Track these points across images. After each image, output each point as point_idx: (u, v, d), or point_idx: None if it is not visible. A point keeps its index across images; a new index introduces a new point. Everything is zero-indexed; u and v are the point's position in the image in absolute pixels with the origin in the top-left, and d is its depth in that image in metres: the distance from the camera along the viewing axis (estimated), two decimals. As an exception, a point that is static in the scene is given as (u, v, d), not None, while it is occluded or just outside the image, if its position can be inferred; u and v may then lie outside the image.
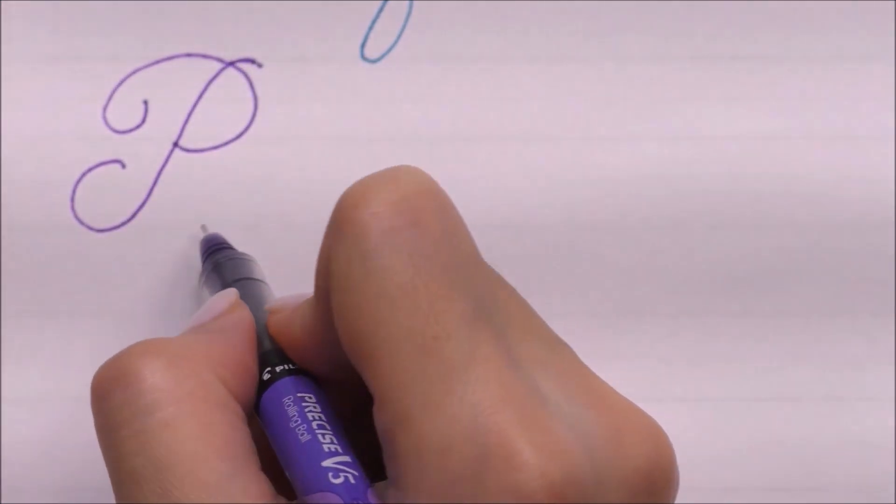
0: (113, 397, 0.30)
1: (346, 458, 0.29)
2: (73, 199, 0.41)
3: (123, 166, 0.41)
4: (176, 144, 0.41)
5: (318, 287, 0.30)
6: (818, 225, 0.41)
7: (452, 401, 0.27)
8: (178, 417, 0.29)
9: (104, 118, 0.41)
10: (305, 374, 0.31)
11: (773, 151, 0.41)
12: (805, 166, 0.41)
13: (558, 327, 0.31)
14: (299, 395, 0.31)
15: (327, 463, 0.29)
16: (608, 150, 0.41)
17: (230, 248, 0.39)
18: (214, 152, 0.41)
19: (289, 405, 0.30)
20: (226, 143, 0.41)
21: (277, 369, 0.31)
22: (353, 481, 0.29)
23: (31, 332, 0.40)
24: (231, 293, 0.34)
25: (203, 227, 0.40)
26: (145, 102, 0.41)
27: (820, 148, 0.41)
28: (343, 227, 0.29)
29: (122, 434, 0.29)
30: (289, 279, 0.41)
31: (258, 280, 0.37)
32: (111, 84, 0.41)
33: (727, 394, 0.41)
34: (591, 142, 0.41)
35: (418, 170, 0.30)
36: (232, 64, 0.41)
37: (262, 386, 0.31)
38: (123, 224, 0.41)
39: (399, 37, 0.41)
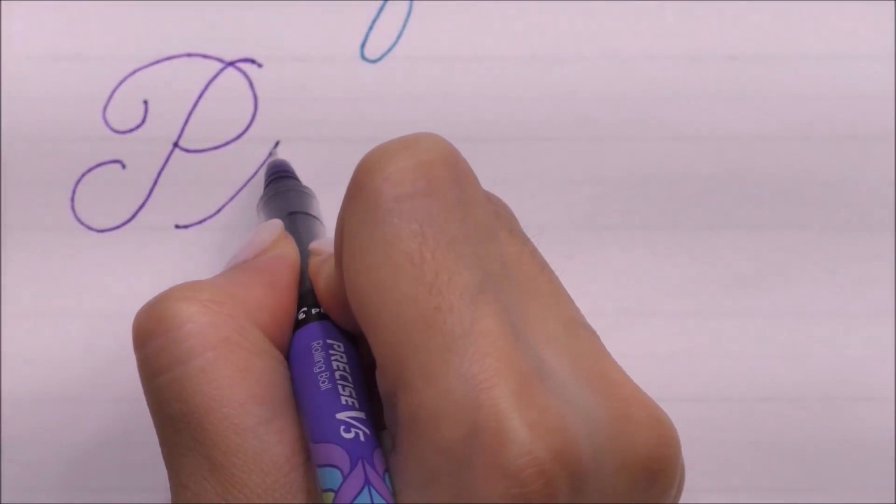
0: (151, 343, 0.30)
1: (361, 415, 0.29)
2: (73, 199, 0.41)
3: (123, 166, 0.41)
4: (176, 144, 0.41)
5: (336, 249, 0.30)
6: (818, 225, 0.41)
7: (448, 372, 0.27)
8: (215, 363, 0.29)
9: (104, 118, 0.41)
10: (335, 323, 0.31)
11: (773, 151, 0.41)
12: (805, 166, 0.41)
13: (558, 327, 0.31)
14: (329, 341, 0.30)
15: (342, 416, 0.29)
16: (608, 150, 0.41)
17: (294, 177, 0.39)
18: (214, 152, 0.41)
19: (316, 349, 0.30)
20: (226, 143, 0.41)
21: (313, 311, 0.31)
22: (362, 439, 0.28)
23: (31, 331, 0.40)
24: (276, 226, 0.34)
25: (273, 151, 0.40)
26: (145, 102, 0.41)
27: (820, 148, 0.41)
28: (357, 191, 0.29)
29: (161, 380, 0.30)
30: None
31: (313, 216, 0.36)
32: (111, 84, 0.41)
33: (727, 394, 0.41)
34: (591, 141, 0.41)
35: (438, 137, 0.30)
36: (232, 64, 0.41)
37: (296, 325, 0.31)
38: (123, 224, 0.41)
39: (399, 37, 0.41)
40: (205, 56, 0.41)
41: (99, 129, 0.41)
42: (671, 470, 0.29)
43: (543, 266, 0.30)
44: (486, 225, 0.29)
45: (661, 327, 0.41)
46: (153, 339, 0.30)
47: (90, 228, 0.41)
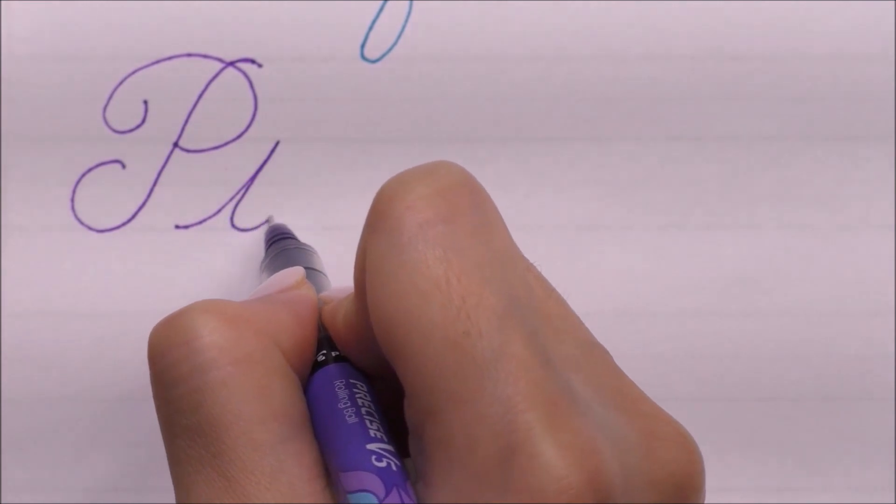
0: (171, 353, 0.30)
1: (390, 447, 0.29)
2: (73, 199, 0.41)
3: (123, 166, 0.41)
4: (176, 144, 0.41)
5: (356, 281, 0.30)
6: (818, 225, 0.41)
7: (481, 397, 0.27)
8: (236, 377, 0.29)
9: (104, 118, 0.41)
10: (354, 365, 0.31)
11: (773, 151, 0.41)
12: (805, 165, 0.41)
13: (558, 327, 0.31)
14: (351, 380, 0.31)
15: (372, 447, 0.29)
16: (608, 151, 0.41)
17: (294, 238, 0.39)
18: (214, 152, 0.41)
19: (340, 387, 0.30)
20: (226, 143, 0.41)
21: (333, 354, 0.31)
22: (394, 468, 0.28)
23: (31, 332, 0.40)
24: (298, 271, 0.34)
25: (269, 218, 0.41)
26: (145, 102, 0.41)
27: (820, 148, 0.41)
28: (379, 220, 0.29)
29: (179, 391, 0.29)
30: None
31: (319, 271, 0.37)
32: (111, 84, 0.41)
33: (727, 394, 0.41)
34: (591, 142, 0.41)
35: (456, 165, 0.30)
36: (232, 64, 0.41)
37: (315, 366, 0.31)
38: (123, 224, 0.41)
39: (399, 37, 0.41)
40: (205, 56, 0.41)
41: (99, 129, 0.41)
42: (699, 486, 0.29)
43: (550, 289, 0.31)
44: (508, 249, 0.29)
45: (661, 327, 0.41)
46: (173, 349, 0.30)
47: (90, 228, 0.41)
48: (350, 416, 0.30)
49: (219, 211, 0.41)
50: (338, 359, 0.31)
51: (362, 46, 0.41)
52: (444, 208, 0.29)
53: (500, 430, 0.27)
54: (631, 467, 0.28)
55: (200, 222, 0.41)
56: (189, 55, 0.41)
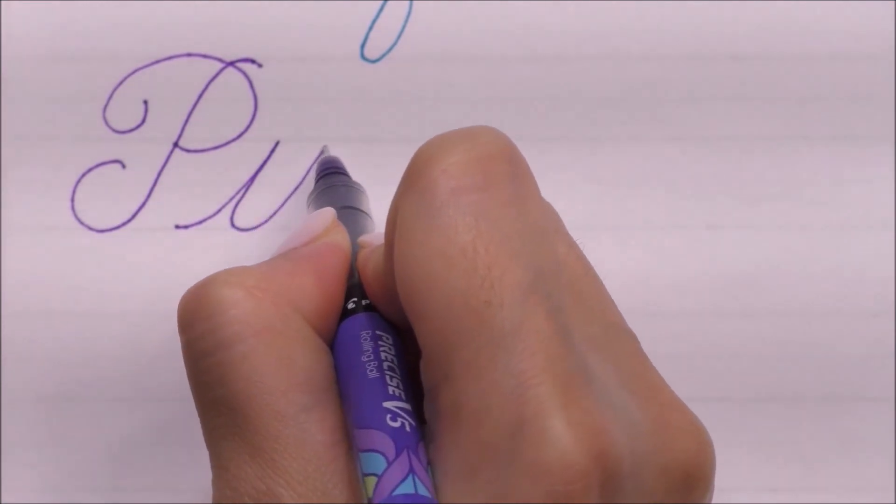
0: (196, 327, 0.30)
1: (407, 406, 0.29)
2: (73, 199, 0.41)
3: (123, 166, 0.41)
4: (176, 144, 0.41)
5: (387, 235, 0.30)
6: (818, 225, 0.41)
7: (496, 367, 0.27)
8: (257, 350, 0.29)
9: (104, 118, 0.41)
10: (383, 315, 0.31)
11: (772, 151, 0.41)
12: (805, 165, 0.41)
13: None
14: (377, 332, 0.30)
15: (388, 405, 0.29)
16: (608, 151, 0.41)
17: (345, 173, 0.39)
18: (214, 152, 0.41)
19: (365, 339, 0.30)
20: (226, 143, 0.41)
21: (363, 302, 0.31)
22: (408, 429, 0.28)
23: (30, 332, 0.40)
24: (328, 214, 0.33)
25: (324, 148, 0.40)
26: (145, 102, 0.41)
27: (820, 148, 0.41)
28: (413, 180, 0.29)
29: (204, 364, 0.30)
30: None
31: (363, 212, 0.36)
32: (111, 84, 0.41)
33: (727, 394, 0.41)
34: (590, 142, 0.41)
35: (497, 131, 0.30)
36: (232, 64, 0.41)
37: (343, 314, 0.31)
38: (123, 224, 0.41)
39: (399, 37, 0.41)
40: (205, 56, 0.41)
41: (99, 129, 0.41)
42: (708, 478, 0.29)
43: (588, 268, 0.31)
44: (541, 223, 0.29)
45: (661, 327, 0.41)
46: (197, 322, 0.30)
47: (90, 228, 0.41)
48: (371, 370, 0.29)
49: (219, 211, 0.41)
50: (367, 308, 0.31)
51: (362, 46, 0.41)
52: (479, 176, 0.29)
53: (512, 402, 0.27)
54: (641, 452, 0.28)
55: (200, 222, 0.41)
56: (189, 55, 0.41)
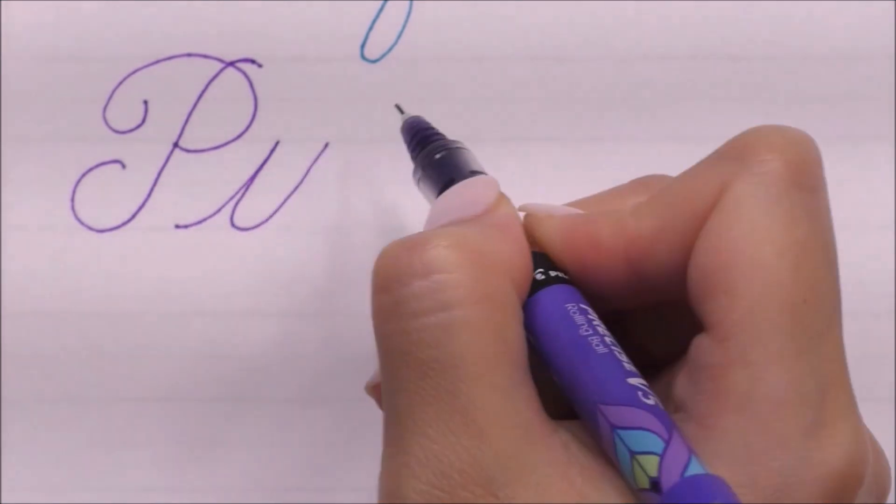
0: (411, 284, 0.29)
1: (645, 383, 0.28)
2: (73, 199, 0.41)
3: (123, 166, 0.41)
4: (176, 144, 0.41)
5: (685, 200, 0.30)
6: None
7: (804, 365, 0.28)
8: (479, 318, 0.28)
9: (104, 118, 0.41)
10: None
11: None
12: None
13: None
14: (582, 305, 0.30)
15: (633, 381, 0.28)
16: (608, 150, 0.41)
17: (440, 134, 0.36)
18: (214, 152, 0.41)
19: (574, 312, 0.29)
20: (226, 143, 0.41)
21: (552, 273, 0.30)
22: (661, 407, 0.28)
23: (30, 332, 0.40)
24: (493, 184, 0.32)
25: (398, 107, 0.38)
26: (145, 102, 0.41)
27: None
28: (754, 161, 0.29)
29: (420, 323, 0.29)
30: (288, 277, 0.41)
31: (484, 173, 0.34)
32: (111, 84, 0.41)
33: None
34: (590, 142, 0.41)
35: (809, 136, 0.30)
36: (232, 64, 0.41)
37: (534, 286, 0.30)
38: (123, 224, 0.41)
39: (399, 37, 0.41)
40: (205, 56, 0.41)
41: (99, 129, 0.41)
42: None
43: None
44: (832, 233, 0.30)
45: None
46: (414, 279, 0.29)
47: (90, 228, 0.41)
48: (597, 345, 0.29)
49: (219, 211, 0.41)
50: (558, 279, 0.30)
51: (362, 46, 0.41)
52: (813, 177, 0.30)
53: (814, 402, 0.28)
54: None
55: (200, 222, 0.41)
56: (189, 55, 0.41)
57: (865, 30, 0.41)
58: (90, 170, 0.41)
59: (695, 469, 0.27)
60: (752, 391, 0.28)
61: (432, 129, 0.36)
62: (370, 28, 0.41)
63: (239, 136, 0.41)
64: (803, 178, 0.29)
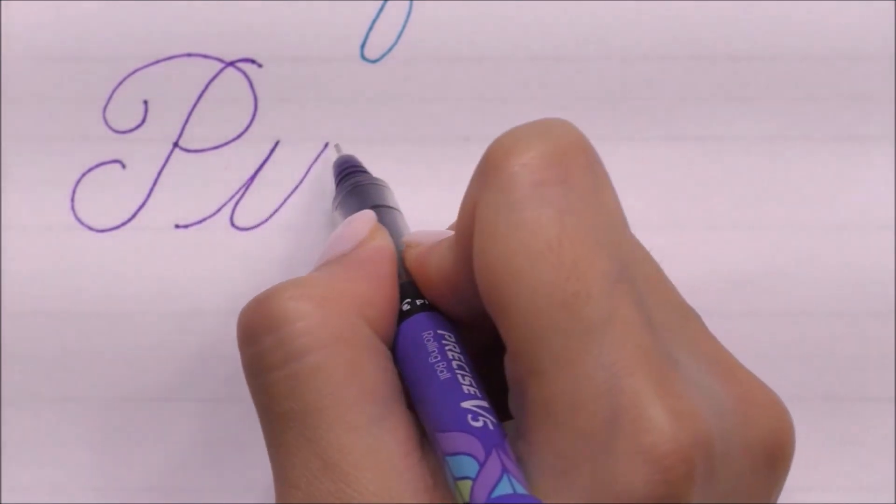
0: (263, 340, 0.30)
1: (484, 404, 0.29)
2: (73, 199, 0.41)
3: (123, 166, 0.41)
4: (176, 144, 0.41)
5: (460, 230, 0.30)
6: (818, 225, 0.41)
7: (587, 359, 0.27)
8: (328, 361, 0.29)
9: (104, 118, 0.41)
10: (440, 313, 0.31)
11: (773, 151, 0.41)
12: (805, 165, 0.41)
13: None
14: (439, 331, 0.30)
15: (466, 405, 0.28)
16: (608, 150, 0.41)
17: (365, 171, 0.38)
18: (214, 152, 0.41)
19: (428, 340, 0.30)
20: (226, 143, 0.41)
21: (417, 302, 0.31)
22: (491, 427, 0.28)
23: (30, 332, 0.40)
24: (369, 217, 0.33)
25: (337, 147, 0.40)
26: (145, 102, 0.41)
27: (820, 148, 0.41)
28: (492, 175, 0.29)
29: (273, 377, 0.29)
30: (287, 277, 0.41)
31: (394, 209, 0.36)
32: (111, 84, 0.41)
33: (727, 394, 0.41)
34: (591, 141, 0.41)
35: (570, 123, 0.30)
36: (232, 64, 0.41)
37: (400, 316, 0.31)
38: (123, 224, 0.41)
39: (399, 37, 0.41)
40: (205, 56, 0.41)
41: (99, 129, 0.41)
42: (790, 454, 0.29)
43: (647, 252, 0.31)
44: (617, 212, 0.29)
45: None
46: (264, 335, 0.30)
47: (90, 228, 0.41)
48: (442, 371, 0.29)
49: (219, 211, 0.41)
50: (423, 307, 0.31)
51: (362, 46, 0.41)
52: (559, 169, 0.29)
53: (606, 393, 0.27)
54: (729, 433, 0.28)
55: (200, 222, 0.41)
56: (189, 55, 0.41)
57: (865, 30, 0.41)
58: (90, 170, 0.41)
59: (502, 489, 0.27)
60: (548, 399, 0.27)
61: (359, 167, 0.38)
62: (370, 28, 0.41)
63: (239, 136, 0.41)
64: (546, 174, 0.28)
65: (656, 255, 0.32)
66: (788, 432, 0.29)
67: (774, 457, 0.29)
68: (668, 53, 0.41)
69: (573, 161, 0.29)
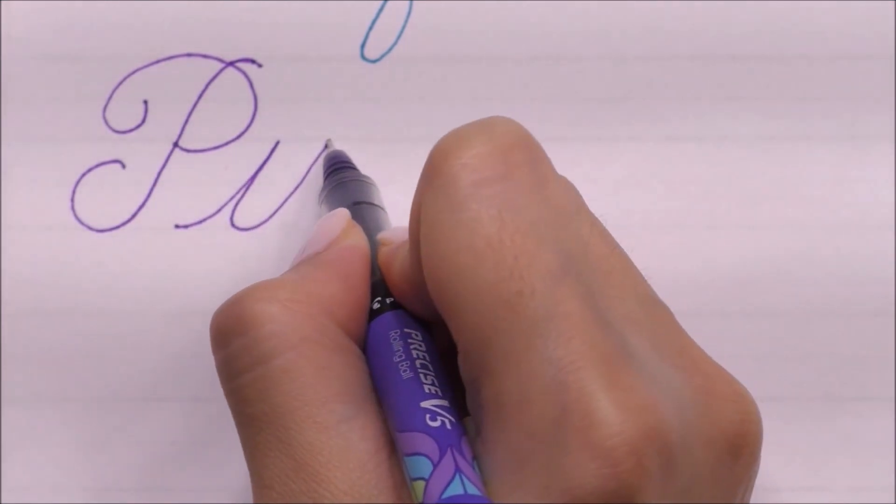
0: (232, 344, 0.30)
1: (445, 403, 0.29)
2: (73, 199, 0.41)
3: (123, 166, 0.41)
4: (176, 144, 0.41)
5: (411, 233, 0.30)
6: (818, 225, 0.41)
7: (533, 356, 0.27)
8: (296, 363, 0.29)
9: (104, 118, 0.41)
10: (408, 311, 0.31)
11: (773, 151, 0.41)
12: (805, 165, 0.41)
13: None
14: (406, 330, 0.30)
15: (426, 404, 0.29)
16: (608, 150, 0.41)
17: (353, 168, 0.39)
18: (214, 152, 0.41)
19: (394, 339, 0.30)
20: (226, 143, 0.41)
21: (388, 301, 0.31)
22: (449, 427, 0.28)
23: (30, 332, 0.40)
24: (343, 215, 0.33)
25: (328, 143, 0.40)
26: (145, 102, 0.41)
27: (820, 148, 0.41)
28: (434, 175, 0.29)
29: (243, 380, 0.30)
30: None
31: (377, 206, 0.36)
32: (111, 84, 0.41)
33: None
34: (590, 141, 0.41)
35: (512, 121, 0.30)
36: (232, 64, 0.41)
37: (371, 315, 0.31)
38: (123, 224, 0.41)
39: (399, 37, 0.41)
40: (205, 56, 0.41)
41: (99, 129, 0.41)
42: (755, 445, 0.29)
43: (613, 244, 0.31)
44: (563, 206, 0.29)
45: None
46: (233, 339, 0.30)
47: (90, 228, 0.41)
48: (405, 370, 0.29)
49: (219, 211, 0.41)
50: (392, 306, 0.31)
51: (362, 46, 0.41)
52: (500, 166, 0.29)
53: (553, 390, 0.27)
54: (689, 425, 0.28)
55: (200, 222, 0.41)
56: (189, 55, 0.41)
57: (865, 30, 0.41)
58: (90, 170, 0.41)
59: (454, 490, 0.27)
60: (499, 397, 0.27)
61: (347, 163, 0.38)
62: (370, 28, 0.41)
63: (239, 136, 0.41)
64: (486, 172, 0.28)
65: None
66: (753, 424, 0.29)
67: (738, 447, 0.29)
68: (668, 53, 0.41)
69: (514, 157, 0.29)
